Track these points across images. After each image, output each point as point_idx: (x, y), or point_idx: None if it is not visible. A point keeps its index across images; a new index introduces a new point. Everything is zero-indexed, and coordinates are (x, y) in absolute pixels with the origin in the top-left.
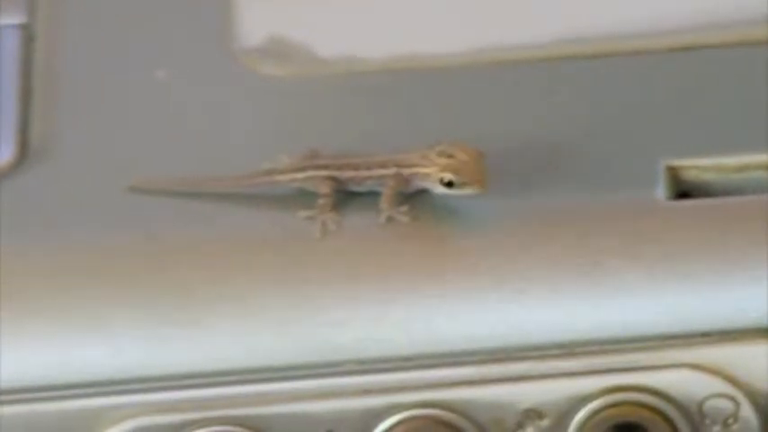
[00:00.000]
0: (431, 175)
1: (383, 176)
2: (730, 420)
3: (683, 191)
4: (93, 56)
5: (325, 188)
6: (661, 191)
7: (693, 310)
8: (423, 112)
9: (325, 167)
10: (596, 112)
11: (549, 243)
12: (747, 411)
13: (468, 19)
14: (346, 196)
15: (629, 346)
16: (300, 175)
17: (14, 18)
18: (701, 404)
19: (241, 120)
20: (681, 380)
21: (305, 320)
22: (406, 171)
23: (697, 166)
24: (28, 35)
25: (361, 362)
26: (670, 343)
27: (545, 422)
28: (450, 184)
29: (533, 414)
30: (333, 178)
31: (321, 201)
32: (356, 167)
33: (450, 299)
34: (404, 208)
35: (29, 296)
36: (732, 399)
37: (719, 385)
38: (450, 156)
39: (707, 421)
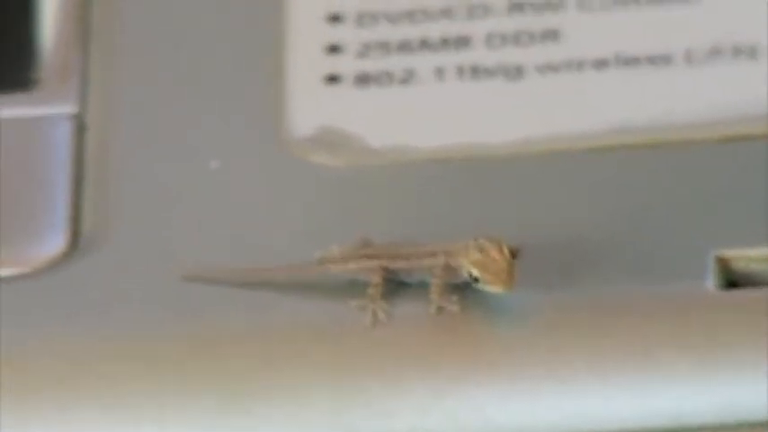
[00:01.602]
0: (462, 268)
1: (433, 266)
2: None
3: (732, 281)
4: (145, 146)
5: (376, 278)
6: (711, 281)
7: (745, 400)
8: (472, 202)
9: (377, 257)
10: (645, 202)
11: (599, 334)
12: None
13: (518, 109)
14: (397, 286)
15: None
16: (352, 265)
17: (66, 108)
18: None
19: (292, 209)
20: None
21: (355, 411)
22: (453, 261)
23: (747, 256)
24: (80, 125)
25: None
26: None
27: None
28: (476, 280)
29: None
30: (384, 268)
31: (371, 290)
32: (407, 257)
33: (500, 389)
34: (454, 298)
35: (80, 385)
36: None
37: None
38: (482, 251)
39: None
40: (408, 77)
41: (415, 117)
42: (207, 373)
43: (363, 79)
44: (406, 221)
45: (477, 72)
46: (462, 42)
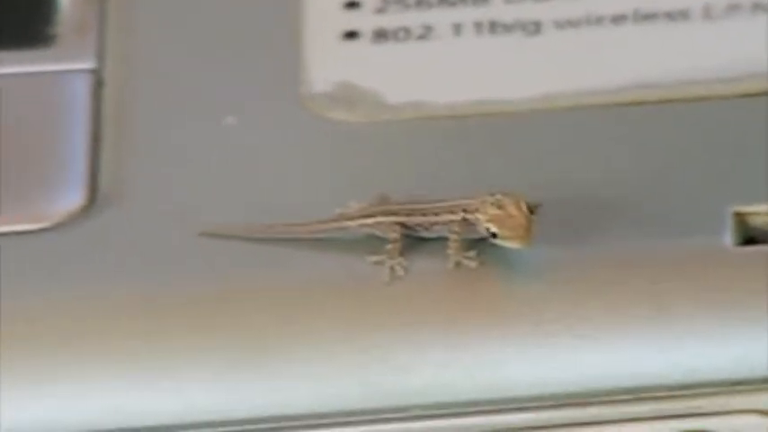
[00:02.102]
0: (480, 223)
1: (451, 222)
2: None
3: (750, 237)
4: (163, 101)
5: (393, 234)
6: (728, 237)
7: (762, 356)
8: (490, 158)
9: (394, 213)
10: (663, 158)
11: (617, 289)
12: None
13: (536, 64)
14: (415, 241)
15: (696, 392)
16: (370, 221)
17: (84, 63)
18: None
19: (309, 165)
20: (748, 425)
21: (372, 366)
22: (471, 216)
23: (764, 212)
24: (97, 80)
25: (427, 407)
26: (738, 389)
27: None
28: (494, 236)
29: None
30: (401, 224)
31: (389, 246)
32: (424, 213)
33: (517, 344)
34: (471, 253)
35: (96, 340)
36: None
37: None
38: (500, 206)
39: None
40: (426, 33)
41: (432, 73)
42: (224, 329)
43: (381, 35)
44: (424, 177)
45: (495, 28)
46: None
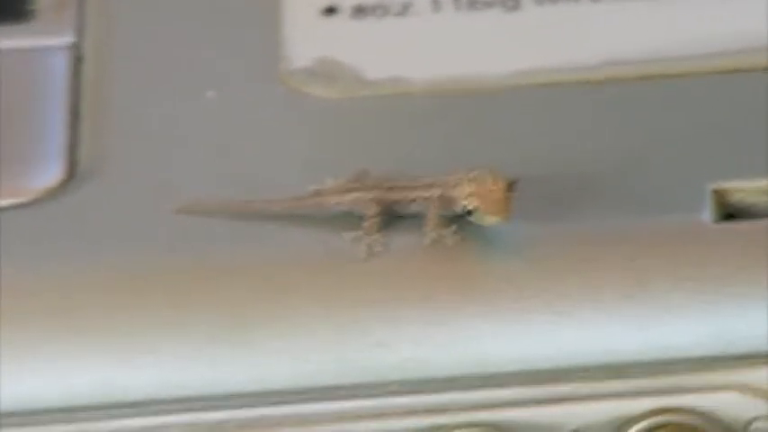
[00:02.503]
0: (458, 200)
1: (428, 198)
2: None
3: (728, 213)
4: (142, 76)
5: (371, 210)
6: (707, 214)
7: (740, 332)
8: (468, 134)
9: (372, 189)
10: (642, 135)
11: (595, 265)
12: None
13: (515, 40)
14: (393, 218)
15: (675, 368)
16: (347, 197)
17: (63, 39)
18: (746, 426)
19: (288, 141)
20: (727, 402)
21: (349, 342)
22: (448, 193)
23: (743, 188)
24: (77, 56)
25: (405, 383)
26: (716, 365)
27: None
28: (470, 212)
29: None
30: (379, 200)
31: (367, 222)
32: (402, 189)
33: (495, 320)
34: (449, 230)
35: (75, 315)
36: None
37: (766, 407)
38: (478, 182)
39: None
40: (405, 9)
41: (411, 49)
42: (202, 305)
43: (360, 11)
44: (402, 153)
45: (474, 3)
46: None
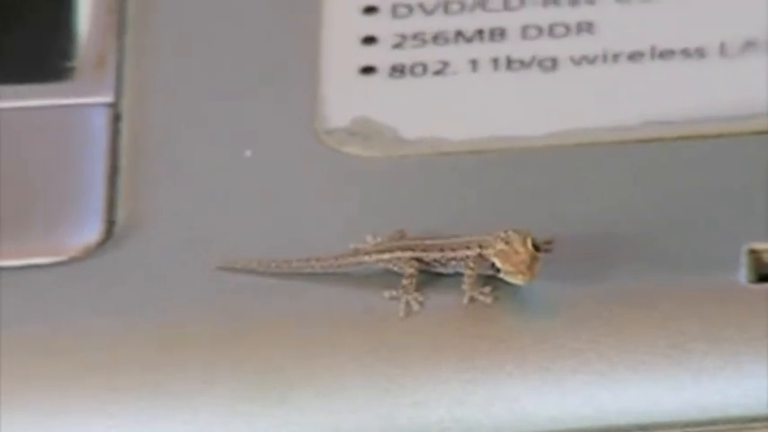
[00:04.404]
0: (488, 259)
1: (466, 257)
2: None
3: (764, 274)
4: (180, 135)
5: (410, 269)
6: (743, 274)
7: None
8: (505, 194)
9: (411, 249)
10: (677, 195)
11: (632, 326)
12: None
13: (552, 101)
14: (431, 277)
15: (710, 429)
16: (386, 256)
17: (101, 97)
18: None
19: (326, 200)
20: None
21: (387, 401)
22: (485, 253)
23: None
24: (115, 114)
25: None
26: (752, 426)
27: None
28: (498, 270)
29: None
30: (418, 259)
31: (405, 281)
32: (441, 248)
33: (532, 380)
34: (487, 289)
35: (113, 373)
36: None
37: None
38: (507, 242)
39: None
40: (443, 69)
41: (449, 109)
42: (240, 363)
43: (398, 70)
44: (440, 213)
45: (511, 64)
46: (497, 34)
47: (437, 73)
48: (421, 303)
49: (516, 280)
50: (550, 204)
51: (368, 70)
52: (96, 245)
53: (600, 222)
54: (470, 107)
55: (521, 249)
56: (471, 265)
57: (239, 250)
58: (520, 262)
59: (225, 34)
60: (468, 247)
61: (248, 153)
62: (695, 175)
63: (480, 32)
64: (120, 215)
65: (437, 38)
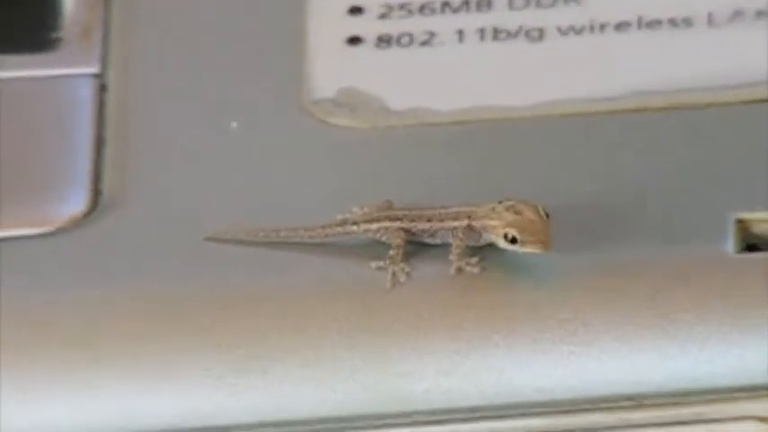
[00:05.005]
0: (496, 230)
1: (455, 228)
2: None
3: (751, 244)
4: (166, 106)
5: (397, 239)
6: (730, 244)
7: (761, 363)
8: (492, 165)
9: (399, 219)
10: (665, 166)
11: (619, 296)
12: None
13: (539, 71)
14: (418, 247)
15: (697, 399)
16: (374, 226)
17: (87, 68)
18: None
19: (312, 171)
20: None
21: (374, 371)
22: (476, 223)
23: (766, 219)
24: (100, 85)
25: (430, 413)
26: (738, 396)
27: None
28: (513, 241)
29: None
30: (405, 230)
31: (392, 252)
32: (429, 219)
33: (519, 350)
34: (474, 260)
35: (100, 344)
36: None
37: None
38: (517, 212)
39: None
40: (429, 39)
41: (435, 79)
42: (225, 333)
43: (385, 41)
44: (426, 183)
45: (498, 34)
46: (484, 4)
47: (424, 43)
48: (408, 274)
49: (536, 249)
50: (537, 175)
51: (354, 41)
52: (82, 215)
53: (587, 193)
54: (457, 78)
55: (535, 218)
56: (460, 235)
57: (225, 221)
58: (538, 231)
59: (211, 5)
60: (456, 218)
61: (234, 124)
62: (682, 146)
63: (467, 3)
64: (106, 186)
65: (424, 8)
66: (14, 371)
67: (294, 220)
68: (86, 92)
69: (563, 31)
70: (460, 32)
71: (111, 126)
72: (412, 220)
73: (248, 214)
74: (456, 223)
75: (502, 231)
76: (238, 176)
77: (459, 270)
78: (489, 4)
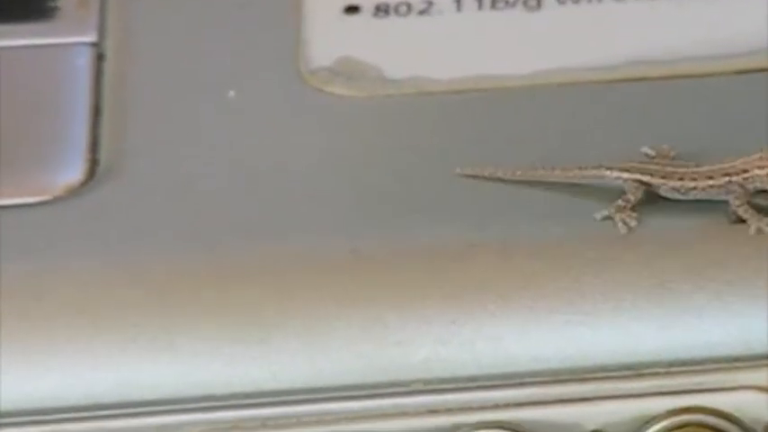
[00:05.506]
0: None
1: (726, 185)
2: None
3: None
4: (163, 75)
5: (634, 193)
6: (727, 215)
7: (760, 332)
8: (490, 133)
9: (649, 173)
10: (663, 134)
11: (617, 266)
12: None
13: (537, 40)
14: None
15: (695, 368)
16: (625, 175)
17: (85, 36)
18: (767, 426)
19: (309, 139)
20: (746, 401)
21: (371, 340)
22: (739, 177)
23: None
24: (98, 54)
25: (427, 382)
26: (736, 365)
27: None
28: None
29: None
30: (647, 183)
31: (621, 202)
32: (681, 177)
33: (516, 320)
34: (634, 215)
35: (97, 313)
36: None
37: None
38: None
39: None
40: (427, 8)
41: (433, 48)
42: (222, 303)
43: (382, 9)
44: (424, 151)
45: (496, 3)
46: None
47: (422, 12)
48: (638, 220)
49: None
50: (535, 143)
51: (352, 10)
52: (80, 184)
53: (584, 162)
54: (455, 47)
55: None
56: (737, 193)
57: (222, 190)
58: None
59: None
60: (716, 175)
61: (232, 93)
62: (679, 114)
63: None
64: (103, 155)
65: None
66: (13, 339)
67: (291, 188)
68: (84, 61)
69: (561, 1)
70: (458, 1)
71: (107, 95)
72: (663, 177)
73: (245, 183)
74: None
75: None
76: (235, 145)
77: (760, 231)
78: None
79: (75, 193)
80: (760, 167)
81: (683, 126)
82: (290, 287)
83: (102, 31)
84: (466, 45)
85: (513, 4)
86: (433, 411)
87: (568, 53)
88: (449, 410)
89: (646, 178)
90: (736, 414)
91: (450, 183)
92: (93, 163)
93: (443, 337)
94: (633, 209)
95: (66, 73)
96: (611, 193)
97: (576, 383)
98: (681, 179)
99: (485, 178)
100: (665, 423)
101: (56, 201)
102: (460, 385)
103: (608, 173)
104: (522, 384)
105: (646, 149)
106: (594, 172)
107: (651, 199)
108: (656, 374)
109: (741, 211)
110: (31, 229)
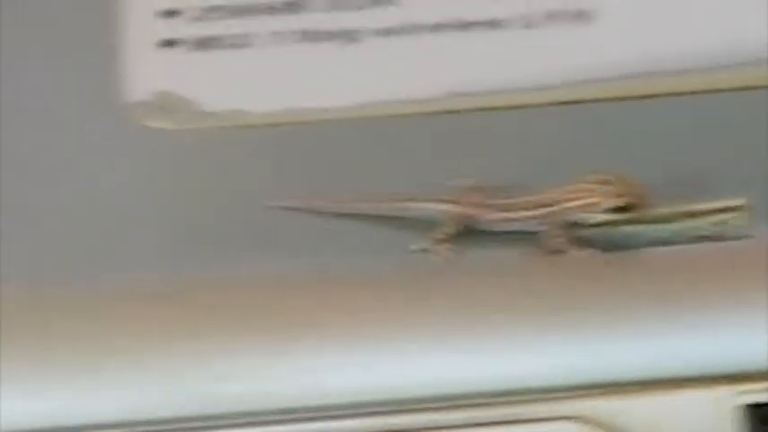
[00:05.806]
0: (598, 204)
1: (546, 215)
2: None
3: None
4: None
5: (450, 225)
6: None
7: (578, 362)
8: (305, 166)
9: (460, 203)
10: (478, 165)
11: (432, 297)
12: None
13: (354, 73)
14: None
15: (514, 399)
16: (442, 207)
17: None
18: None
19: (126, 172)
20: None
21: (191, 374)
22: (554, 208)
23: None
24: None
25: (240, 415)
26: (555, 396)
27: None
28: (623, 209)
29: None
30: (463, 215)
31: (438, 234)
32: (501, 209)
33: (331, 352)
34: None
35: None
36: None
37: None
38: (607, 183)
39: None
40: (245, 41)
41: (250, 81)
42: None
43: (199, 43)
44: (238, 184)
45: (313, 36)
46: (299, 6)
47: (239, 45)
48: (458, 253)
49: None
50: (351, 175)
51: (169, 43)
52: None
53: (399, 194)
54: (272, 79)
55: (633, 181)
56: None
57: (49, 225)
58: (641, 195)
59: (21, 9)
60: (540, 206)
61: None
62: (502, 146)
63: (282, 4)
64: None
65: (239, 10)
66: None
67: (111, 221)
68: None
69: (378, 33)
70: (276, 34)
71: None
72: (477, 206)
73: (65, 214)
74: (543, 210)
75: (612, 202)
76: (49, 174)
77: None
78: (304, 6)
79: None
80: (572, 200)
81: (501, 157)
82: (108, 321)
83: None
84: (283, 78)
85: (331, 38)
86: None
87: (386, 86)
88: None
89: (462, 210)
90: None
91: (265, 215)
92: None
93: (258, 370)
94: (449, 240)
95: None
96: (428, 225)
97: (388, 416)
98: (498, 210)
99: (300, 210)
100: None
101: None
102: (277, 417)
103: (423, 205)
104: (332, 417)
105: (462, 181)
106: (409, 204)
107: (468, 231)
108: (474, 405)
109: (556, 243)
110: None
